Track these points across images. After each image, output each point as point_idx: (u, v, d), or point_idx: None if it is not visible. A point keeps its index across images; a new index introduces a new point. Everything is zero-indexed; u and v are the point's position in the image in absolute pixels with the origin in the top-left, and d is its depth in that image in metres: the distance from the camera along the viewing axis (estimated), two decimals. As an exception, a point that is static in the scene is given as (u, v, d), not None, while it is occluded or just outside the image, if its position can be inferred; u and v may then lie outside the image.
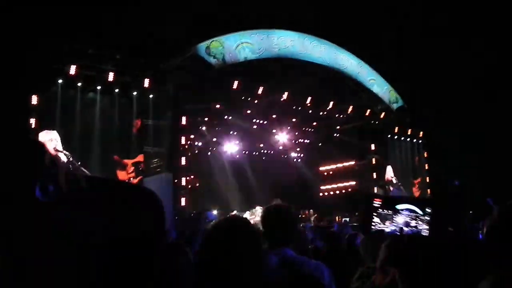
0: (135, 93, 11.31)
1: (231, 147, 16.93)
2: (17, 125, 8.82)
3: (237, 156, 17.41)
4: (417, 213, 4.35)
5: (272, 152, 18.62)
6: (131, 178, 10.93)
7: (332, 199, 19.02)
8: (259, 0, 13.60)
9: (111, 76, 10.72)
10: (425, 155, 17.77)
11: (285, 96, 13.83)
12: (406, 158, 17.29)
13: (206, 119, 15.23)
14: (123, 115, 11.14)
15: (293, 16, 14.10)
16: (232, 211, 13.42)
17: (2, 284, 0.70)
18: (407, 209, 4.34)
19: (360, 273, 2.82)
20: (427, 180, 17.42)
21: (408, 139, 17.48)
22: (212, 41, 12.08)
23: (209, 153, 17.17)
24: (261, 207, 10.73)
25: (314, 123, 17.16)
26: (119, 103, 11.12)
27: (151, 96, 11.53)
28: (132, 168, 11.08)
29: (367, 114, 16.04)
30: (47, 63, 9.69)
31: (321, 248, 5.69)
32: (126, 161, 11.02)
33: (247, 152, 17.94)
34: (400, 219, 4.25)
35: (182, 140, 11.97)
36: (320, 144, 18.73)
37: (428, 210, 4.36)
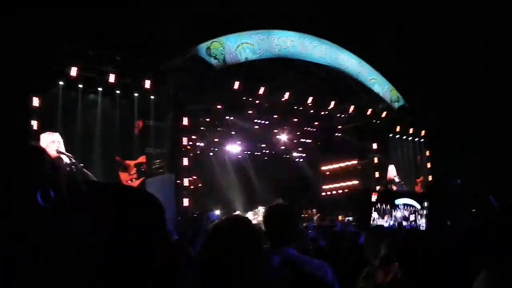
0: (136, 94, 11.32)
1: (233, 148, 16.95)
2: (17, 127, 8.84)
3: (239, 156, 17.43)
4: (416, 207, 4.35)
5: (273, 152, 18.63)
6: (133, 179, 10.93)
7: (334, 198, 19.02)
8: (259, 0, 13.62)
9: (112, 78, 10.72)
10: (427, 153, 17.76)
11: (286, 96, 13.84)
12: (408, 157, 17.28)
13: (207, 119, 15.24)
14: (124, 116, 11.14)
15: (293, 16, 14.13)
16: (235, 211, 13.44)
17: (2, 284, 0.70)
18: (405, 204, 4.34)
19: (366, 272, 2.82)
20: (429, 179, 17.40)
21: (410, 138, 17.48)
22: (213, 41, 12.09)
23: (211, 154, 17.18)
24: (264, 207, 10.75)
25: (316, 123, 17.17)
26: (120, 104, 11.12)
27: (152, 97, 11.54)
28: (134, 169, 11.07)
29: (368, 113, 16.03)
30: (47, 64, 9.69)
31: (324, 247, 5.71)
32: (128, 162, 11.01)
33: (248, 152, 17.95)
34: (398, 214, 4.25)
35: (183, 140, 11.96)
36: (321, 143, 18.74)
37: (426, 204, 4.36)
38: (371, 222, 4.06)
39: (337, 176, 19.52)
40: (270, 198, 11.88)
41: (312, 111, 15.39)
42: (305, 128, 17.60)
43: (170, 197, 10.91)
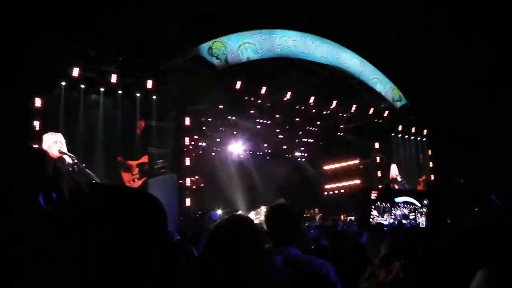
0: (138, 94, 11.33)
1: (235, 147, 16.95)
2: (18, 128, 8.85)
3: (241, 156, 17.42)
4: (415, 205, 4.35)
5: (276, 151, 18.62)
6: (136, 179, 10.94)
7: (336, 198, 19.01)
8: (260, 0, 13.61)
9: (113, 78, 10.73)
10: (429, 153, 17.73)
11: (288, 95, 13.83)
12: (411, 156, 17.25)
13: (209, 119, 15.24)
14: (126, 116, 11.15)
15: (294, 16, 14.11)
16: (237, 211, 13.43)
17: (2, 284, 0.70)
18: (405, 202, 4.34)
19: (368, 273, 2.81)
20: (432, 178, 17.37)
21: (412, 137, 17.45)
22: (215, 41, 12.09)
23: (213, 154, 17.18)
24: (266, 207, 10.75)
25: (318, 123, 17.16)
26: (122, 104, 11.14)
27: (154, 97, 11.55)
28: (137, 169, 11.09)
29: (370, 112, 16.01)
30: (48, 64, 9.70)
31: (326, 246, 5.70)
32: (130, 162, 11.03)
33: (250, 152, 17.95)
34: (398, 212, 4.26)
35: (186, 140, 11.97)
36: (323, 143, 18.73)
37: (425, 202, 4.37)
38: (371, 220, 4.07)
39: (339, 175, 19.52)
40: (272, 197, 11.85)
41: (314, 110, 15.38)
42: (307, 128, 17.59)
43: (173, 197, 10.92)
